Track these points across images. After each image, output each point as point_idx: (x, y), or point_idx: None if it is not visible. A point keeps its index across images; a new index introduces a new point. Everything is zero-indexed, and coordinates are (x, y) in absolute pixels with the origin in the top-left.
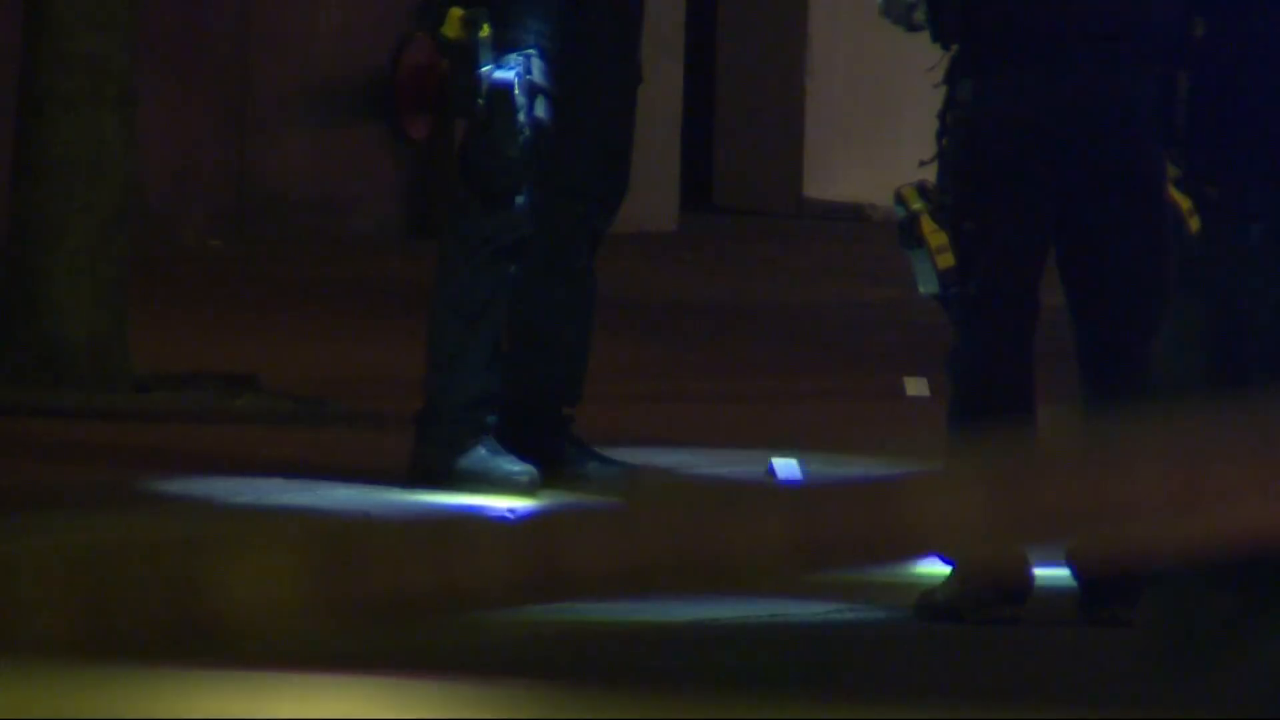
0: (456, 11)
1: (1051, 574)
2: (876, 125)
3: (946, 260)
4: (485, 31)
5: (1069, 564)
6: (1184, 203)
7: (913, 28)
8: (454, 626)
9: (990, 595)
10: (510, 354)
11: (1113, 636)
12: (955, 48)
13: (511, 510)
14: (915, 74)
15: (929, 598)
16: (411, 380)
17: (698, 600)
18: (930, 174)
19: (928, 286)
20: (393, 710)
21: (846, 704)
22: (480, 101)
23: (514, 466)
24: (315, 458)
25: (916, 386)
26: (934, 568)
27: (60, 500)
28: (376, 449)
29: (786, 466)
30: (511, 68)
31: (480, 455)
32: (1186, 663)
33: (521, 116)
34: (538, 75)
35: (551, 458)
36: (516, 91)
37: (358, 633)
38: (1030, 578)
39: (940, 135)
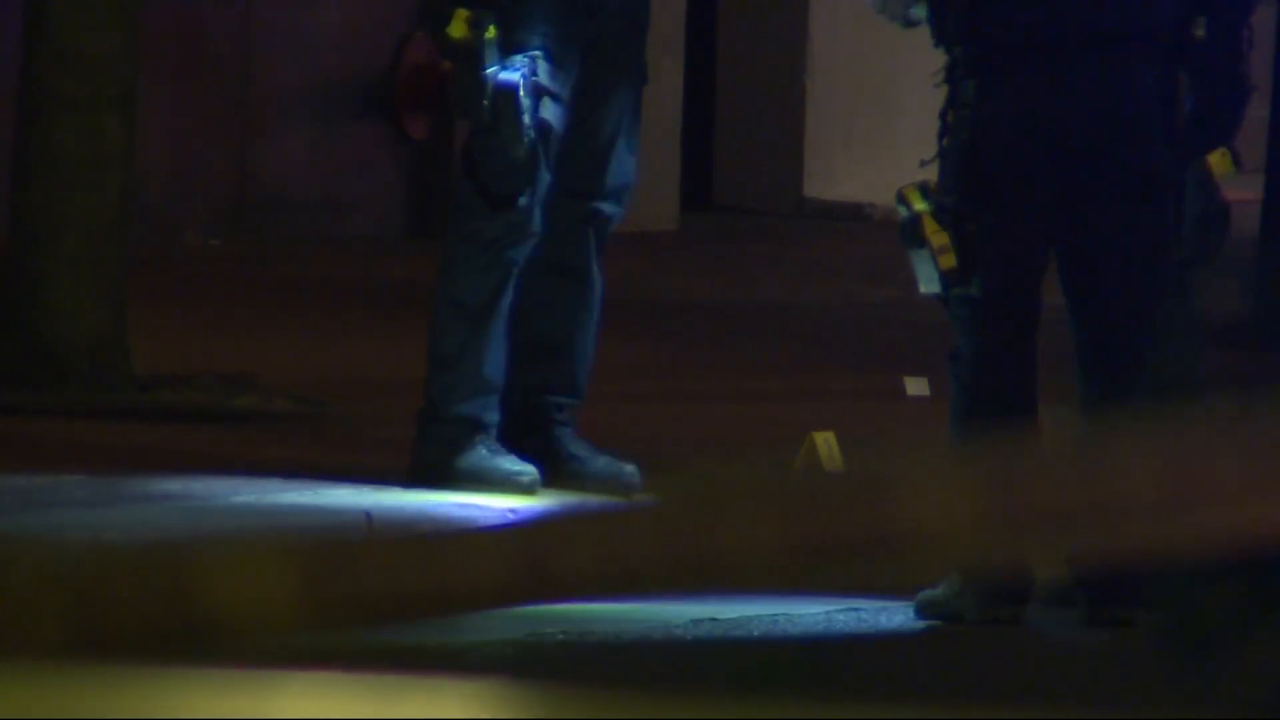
0: (462, 12)
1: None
2: (876, 125)
3: (949, 260)
4: (491, 33)
5: (1069, 564)
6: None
7: (909, 23)
8: (453, 626)
9: (990, 595)
10: (512, 354)
11: (1113, 636)
12: (958, 48)
13: (512, 510)
14: (915, 74)
15: (929, 598)
16: (411, 380)
17: (697, 600)
18: (932, 174)
19: (930, 286)
20: (389, 710)
21: (846, 704)
22: (485, 103)
23: (514, 466)
24: (315, 458)
25: (917, 386)
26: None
27: (60, 500)
28: (376, 449)
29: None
30: (517, 69)
31: (481, 455)
32: (1186, 663)
33: (526, 118)
34: (543, 77)
35: (552, 458)
36: (522, 93)
37: (355, 632)
38: (1030, 578)
39: (941, 135)
